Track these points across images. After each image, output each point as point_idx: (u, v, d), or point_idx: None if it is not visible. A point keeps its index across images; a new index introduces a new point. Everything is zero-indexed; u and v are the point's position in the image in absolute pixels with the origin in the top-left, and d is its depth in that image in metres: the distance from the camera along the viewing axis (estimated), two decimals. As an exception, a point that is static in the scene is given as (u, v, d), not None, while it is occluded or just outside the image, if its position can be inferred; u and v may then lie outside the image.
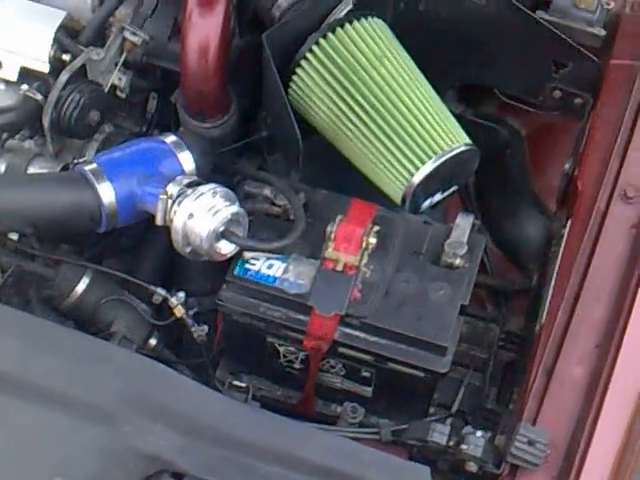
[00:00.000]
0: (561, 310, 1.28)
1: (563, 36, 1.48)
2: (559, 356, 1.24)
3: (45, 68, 1.44)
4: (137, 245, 1.58)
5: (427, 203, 1.47)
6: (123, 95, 1.52)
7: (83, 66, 1.45)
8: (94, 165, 1.33)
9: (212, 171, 1.44)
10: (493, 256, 1.69)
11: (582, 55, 1.49)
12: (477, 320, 1.60)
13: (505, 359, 1.57)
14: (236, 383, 1.38)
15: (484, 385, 1.53)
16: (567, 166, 1.49)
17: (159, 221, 1.30)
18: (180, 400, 1.17)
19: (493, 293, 1.67)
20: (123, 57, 1.48)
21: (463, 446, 1.24)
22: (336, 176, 1.54)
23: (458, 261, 1.38)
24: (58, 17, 1.47)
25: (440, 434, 1.23)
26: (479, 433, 1.25)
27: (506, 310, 1.66)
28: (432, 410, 1.44)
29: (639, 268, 1.28)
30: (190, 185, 1.30)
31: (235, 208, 1.30)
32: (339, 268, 1.34)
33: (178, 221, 1.28)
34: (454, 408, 1.47)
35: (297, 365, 1.41)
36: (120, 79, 1.50)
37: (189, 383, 1.20)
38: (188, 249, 1.30)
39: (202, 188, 1.29)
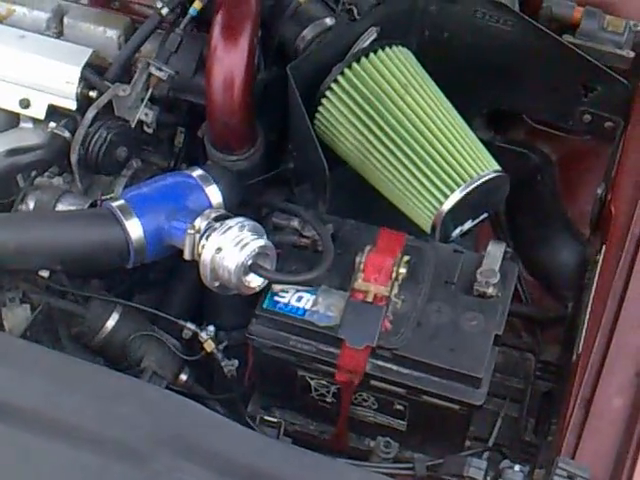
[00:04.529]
0: (598, 338, 1.25)
1: (591, 59, 1.46)
2: (597, 387, 1.21)
3: (72, 105, 1.46)
4: (166, 280, 1.58)
5: (457, 231, 1.45)
6: (150, 130, 1.53)
7: (110, 103, 1.46)
8: (121, 201, 1.33)
9: (240, 204, 1.44)
10: (527, 284, 1.66)
11: (611, 78, 1.47)
12: (512, 350, 1.58)
13: (542, 389, 1.53)
14: (268, 418, 1.36)
15: (521, 417, 1.49)
16: (599, 190, 1.47)
17: (187, 256, 1.29)
18: (210, 437, 1.15)
19: (528, 322, 1.64)
20: (149, 92, 1.49)
21: (501, 481, 1.21)
22: (364, 206, 1.52)
23: (491, 290, 1.35)
24: (84, 55, 1.49)
25: (476, 469, 1.20)
26: (517, 467, 1.21)
27: (542, 339, 1.63)
28: (468, 443, 1.41)
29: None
30: (218, 219, 1.30)
31: (263, 241, 1.29)
32: (369, 299, 1.33)
33: (206, 255, 1.27)
34: (491, 441, 1.44)
35: (329, 399, 1.39)
36: (147, 114, 1.50)
37: (219, 420, 1.19)
38: (216, 283, 1.29)
39: (230, 222, 1.29)
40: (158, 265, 1.52)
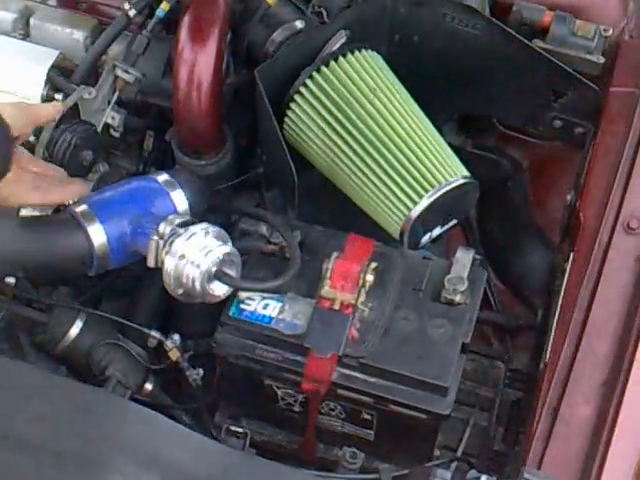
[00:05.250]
0: (565, 347, 1.24)
1: (561, 64, 1.45)
2: (564, 395, 1.20)
3: (38, 108, 1.44)
4: (135, 287, 1.56)
5: (427, 238, 1.43)
6: (117, 134, 1.50)
7: (75, 105, 1.44)
8: (84, 206, 1.30)
9: (207, 209, 1.42)
10: (497, 291, 1.65)
11: (581, 83, 1.46)
12: (482, 357, 1.57)
13: (512, 398, 1.53)
14: (234, 428, 1.34)
15: (490, 425, 1.48)
16: (569, 197, 1.46)
17: (151, 262, 1.27)
18: (172, 449, 1.13)
19: (498, 329, 1.63)
20: (115, 95, 1.47)
21: (467, 492, 1.19)
22: (335, 212, 1.51)
23: (459, 297, 1.34)
24: (51, 56, 1.46)
25: (441, 480, 1.18)
26: (484, 478, 1.20)
27: (512, 346, 1.62)
28: (437, 452, 1.40)
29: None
30: (182, 225, 1.27)
31: (228, 248, 1.27)
32: (336, 307, 1.31)
33: (169, 262, 1.24)
34: (460, 450, 1.43)
35: (296, 408, 1.37)
36: (113, 118, 1.48)
37: (181, 430, 1.17)
38: (180, 291, 1.27)
39: (194, 228, 1.26)
40: (127, 272, 1.49)
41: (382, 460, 1.37)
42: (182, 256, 1.24)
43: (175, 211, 1.34)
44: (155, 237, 1.25)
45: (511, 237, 1.65)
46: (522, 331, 1.61)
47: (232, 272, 1.27)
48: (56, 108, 1.33)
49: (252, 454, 1.23)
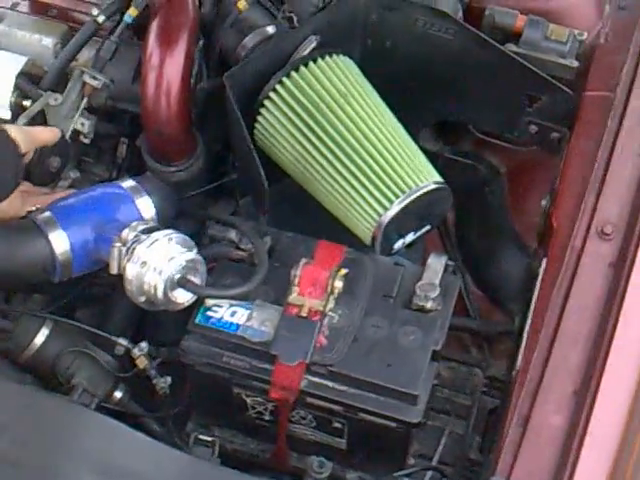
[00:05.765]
0: (536, 354, 1.21)
1: (534, 69, 1.43)
2: (535, 404, 1.18)
3: (6, 115, 1.43)
4: (109, 293, 1.54)
5: (400, 244, 1.41)
6: (87, 140, 1.49)
7: (43, 112, 1.43)
8: (47, 213, 1.28)
9: (178, 216, 1.40)
10: (475, 297, 1.63)
11: (555, 88, 1.44)
12: (459, 365, 1.54)
13: (489, 406, 1.50)
14: (202, 437, 1.32)
15: (467, 434, 1.46)
16: (544, 202, 1.44)
17: (113, 270, 1.25)
18: (133, 458, 1.11)
19: (477, 336, 1.61)
20: (84, 102, 1.45)
21: (436, 502, 1.18)
22: (311, 218, 1.49)
23: (430, 304, 1.32)
24: (19, 63, 1.45)
25: (407, 490, 1.16)
26: (454, 487, 1.18)
27: (491, 354, 1.60)
28: (412, 461, 1.38)
29: (617, 308, 1.21)
30: (145, 231, 1.25)
31: (191, 255, 1.24)
32: (304, 314, 1.29)
33: (130, 269, 1.22)
34: (435, 459, 1.41)
35: (267, 417, 1.35)
36: (83, 124, 1.46)
37: (143, 440, 1.15)
38: (142, 298, 1.24)
39: (156, 234, 1.24)
40: (101, 279, 1.47)
41: (356, 469, 1.35)
42: (144, 263, 1.22)
43: (140, 218, 1.32)
44: (117, 244, 1.24)
45: (488, 243, 1.63)
46: (501, 338, 1.59)
47: (196, 279, 1.25)
48: (53, 132, 1.36)
49: (217, 464, 1.21)
